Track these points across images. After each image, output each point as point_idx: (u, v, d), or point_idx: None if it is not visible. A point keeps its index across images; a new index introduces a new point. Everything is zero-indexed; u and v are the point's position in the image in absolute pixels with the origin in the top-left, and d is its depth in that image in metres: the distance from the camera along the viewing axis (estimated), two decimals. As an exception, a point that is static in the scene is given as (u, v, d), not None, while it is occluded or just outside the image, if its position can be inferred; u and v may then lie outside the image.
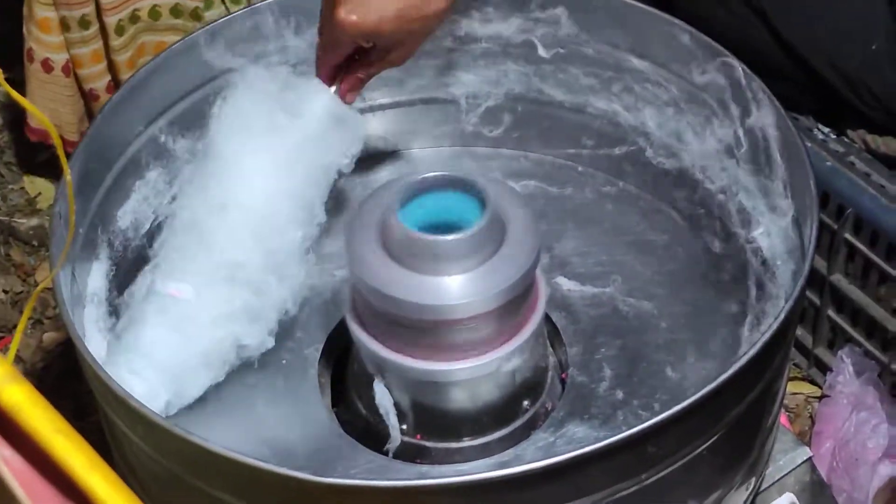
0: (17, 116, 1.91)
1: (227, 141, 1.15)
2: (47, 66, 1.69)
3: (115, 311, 1.17)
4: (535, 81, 1.34)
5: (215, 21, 1.27)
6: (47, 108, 1.70)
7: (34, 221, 1.86)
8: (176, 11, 1.68)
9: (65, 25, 1.65)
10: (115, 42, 1.66)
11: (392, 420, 1.10)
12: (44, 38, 1.67)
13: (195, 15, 1.69)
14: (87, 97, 1.73)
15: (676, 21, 1.25)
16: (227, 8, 1.67)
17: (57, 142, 0.94)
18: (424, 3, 1.12)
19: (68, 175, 1.02)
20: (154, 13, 1.68)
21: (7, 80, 0.88)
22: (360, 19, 1.10)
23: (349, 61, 1.18)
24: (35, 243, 1.83)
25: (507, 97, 1.35)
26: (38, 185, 1.90)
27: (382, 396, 1.11)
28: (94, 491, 0.37)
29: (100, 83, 1.71)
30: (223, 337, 1.12)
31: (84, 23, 1.64)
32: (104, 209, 1.18)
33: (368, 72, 1.19)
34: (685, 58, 1.24)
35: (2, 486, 0.38)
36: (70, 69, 1.69)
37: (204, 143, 1.17)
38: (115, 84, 1.71)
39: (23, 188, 1.90)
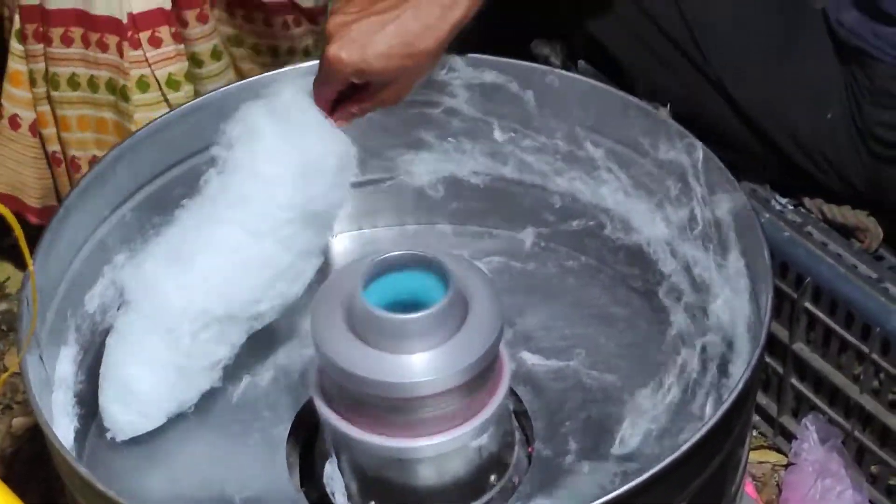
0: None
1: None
2: (14, 122, 1.66)
3: (83, 397, 1.17)
4: (497, 160, 1.36)
5: (182, 105, 1.29)
6: (10, 170, 1.67)
7: (3, 306, 1.86)
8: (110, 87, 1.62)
9: (32, 80, 1.62)
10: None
11: (339, 500, 1.11)
12: (14, 93, 1.64)
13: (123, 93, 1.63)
14: (51, 160, 1.69)
15: (633, 100, 1.28)
16: (164, 95, 1.63)
17: (17, 231, 0.94)
18: (414, 42, 1.15)
19: (31, 265, 1.02)
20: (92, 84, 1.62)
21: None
22: (349, 56, 1.14)
23: (345, 94, 1.20)
24: (4, 328, 1.83)
25: (468, 175, 1.37)
26: (6, 270, 1.91)
27: (334, 479, 1.12)
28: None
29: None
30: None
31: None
32: (71, 294, 1.19)
33: (362, 107, 1.21)
34: (643, 137, 1.27)
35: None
36: (36, 129, 1.66)
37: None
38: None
39: (-9, 273, 1.91)
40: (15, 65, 1.63)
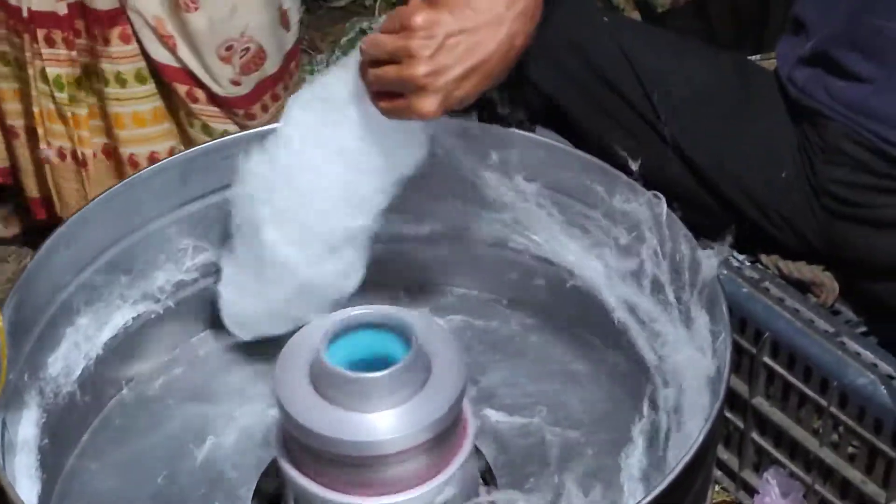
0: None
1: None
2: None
3: (46, 460, 1.17)
4: (459, 219, 1.38)
5: (143, 170, 1.31)
6: None
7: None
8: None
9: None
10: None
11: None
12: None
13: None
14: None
15: (585, 156, 1.30)
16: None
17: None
18: (498, 78, 1.20)
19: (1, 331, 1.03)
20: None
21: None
22: (444, 109, 1.17)
23: None
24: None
25: (431, 233, 1.39)
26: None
27: None
28: None
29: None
30: None
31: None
32: (34, 356, 1.20)
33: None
34: (601, 193, 1.29)
35: None
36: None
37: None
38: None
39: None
40: None
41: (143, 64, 1.71)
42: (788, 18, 1.54)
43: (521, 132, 1.34)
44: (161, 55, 1.70)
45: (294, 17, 1.83)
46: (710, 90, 1.54)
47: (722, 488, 1.61)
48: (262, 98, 1.79)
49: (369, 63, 1.20)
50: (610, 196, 1.28)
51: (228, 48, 1.70)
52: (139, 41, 1.69)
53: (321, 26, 2.53)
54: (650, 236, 1.26)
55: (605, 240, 1.31)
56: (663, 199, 1.25)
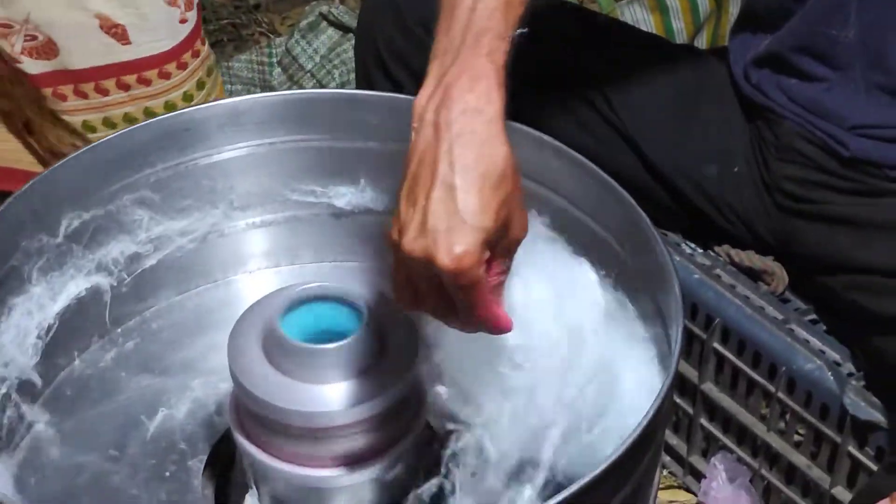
0: None
1: None
2: None
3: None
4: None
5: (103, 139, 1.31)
6: None
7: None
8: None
9: None
10: None
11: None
12: None
13: None
14: None
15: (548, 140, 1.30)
16: None
17: None
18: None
19: None
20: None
21: None
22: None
23: None
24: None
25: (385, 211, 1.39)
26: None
27: None
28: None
29: None
30: None
31: None
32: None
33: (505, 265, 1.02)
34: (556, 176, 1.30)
35: None
36: None
37: None
38: None
39: None
40: None
41: None
42: (740, 15, 1.56)
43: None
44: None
45: None
46: (663, 83, 1.55)
47: (670, 473, 1.63)
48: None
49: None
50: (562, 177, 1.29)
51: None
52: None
53: (280, 10, 2.53)
54: (605, 218, 1.26)
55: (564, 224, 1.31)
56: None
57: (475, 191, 0.93)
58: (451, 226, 0.93)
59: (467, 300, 0.97)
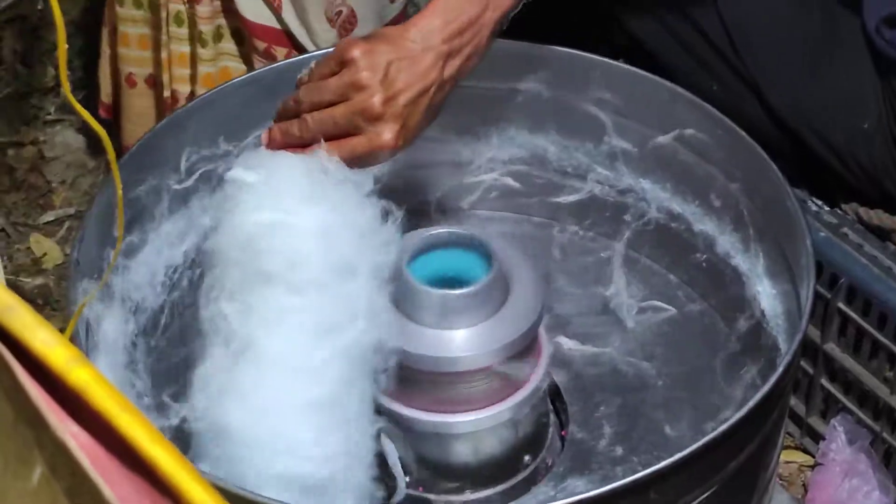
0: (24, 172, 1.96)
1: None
2: (131, 80, 1.74)
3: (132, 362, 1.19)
4: (540, 146, 1.37)
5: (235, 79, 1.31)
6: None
7: (39, 281, 1.88)
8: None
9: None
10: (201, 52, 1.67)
11: (398, 472, 1.12)
12: (125, 53, 1.72)
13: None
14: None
15: (681, 91, 1.29)
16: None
17: (110, 153, 0.91)
18: (438, 112, 1.16)
19: (119, 183, 0.99)
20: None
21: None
22: (405, 141, 1.12)
23: None
24: (40, 301, 1.85)
25: (509, 161, 1.39)
26: (43, 245, 1.93)
27: (389, 450, 1.13)
28: (158, 462, 0.40)
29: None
30: None
31: (178, 20, 1.67)
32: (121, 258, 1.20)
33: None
34: (689, 126, 1.28)
35: (70, 459, 0.41)
36: (153, 81, 1.73)
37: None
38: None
39: (28, 248, 1.93)
40: (123, 27, 1.72)
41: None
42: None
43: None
44: (255, 14, 1.64)
45: None
46: (794, 36, 1.52)
47: (787, 433, 1.61)
48: None
49: (310, 109, 1.12)
50: (698, 132, 1.27)
51: (338, 12, 1.67)
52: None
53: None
54: (733, 173, 1.25)
55: (687, 174, 1.30)
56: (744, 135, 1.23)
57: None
58: None
59: None
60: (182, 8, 1.65)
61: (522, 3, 1.19)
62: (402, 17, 1.74)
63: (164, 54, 1.67)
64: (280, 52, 1.66)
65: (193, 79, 1.68)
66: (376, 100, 1.10)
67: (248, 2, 1.62)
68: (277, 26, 1.64)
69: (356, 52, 1.11)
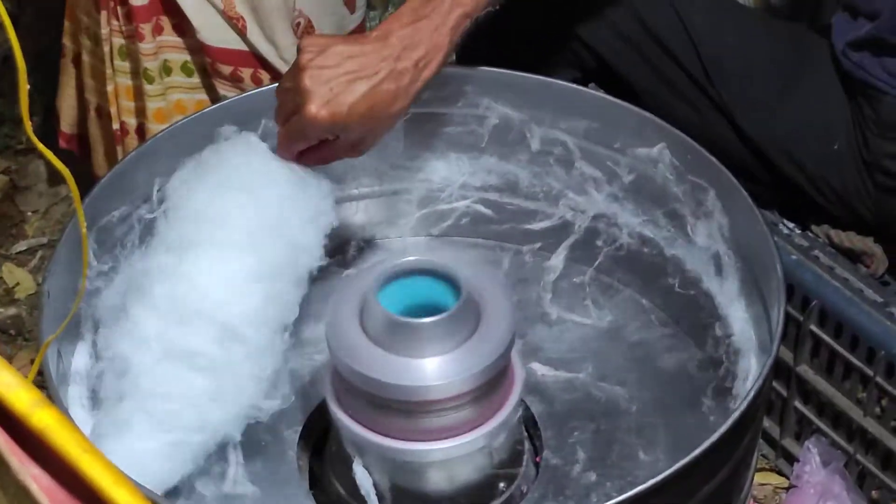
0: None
1: (184, 225, 1.15)
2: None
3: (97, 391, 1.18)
4: (512, 172, 1.38)
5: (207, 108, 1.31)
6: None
7: (12, 311, 1.88)
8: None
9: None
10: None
11: (372, 500, 1.12)
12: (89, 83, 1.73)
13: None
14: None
15: (649, 117, 1.29)
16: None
17: (73, 191, 0.93)
18: (391, 102, 1.16)
19: (83, 222, 1.01)
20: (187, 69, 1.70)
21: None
22: (330, 114, 1.14)
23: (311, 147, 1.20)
24: (13, 332, 1.84)
25: (481, 188, 1.39)
26: (16, 275, 1.92)
27: (363, 478, 1.13)
28: None
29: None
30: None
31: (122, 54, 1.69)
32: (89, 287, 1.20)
33: (325, 157, 1.21)
34: (659, 151, 1.29)
35: (31, 501, 0.41)
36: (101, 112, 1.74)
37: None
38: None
39: (1, 278, 1.92)
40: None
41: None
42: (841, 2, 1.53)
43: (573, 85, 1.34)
44: (219, 39, 1.66)
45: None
46: (764, 58, 1.54)
47: (762, 455, 1.62)
48: None
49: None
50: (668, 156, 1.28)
51: (297, 23, 1.68)
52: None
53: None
54: (705, 197, 1.25)
55: (658, 197, 1.30)
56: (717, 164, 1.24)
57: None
58: None
59: None
60: (124, 42, 1.65)
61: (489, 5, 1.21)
62: (362, 29, 1.77)
63: (109, 87, 1.67)
64: (246, 72, 1.67)
65: (141, 111, 1.68)
66: (304, 76, 1.14)
67: (210, 29, 1.63)
68: (242, 48, 1.65)
69: (304, 40, 1.17)
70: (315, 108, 1.14)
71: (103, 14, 1.64)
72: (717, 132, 1.52)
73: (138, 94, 1.68)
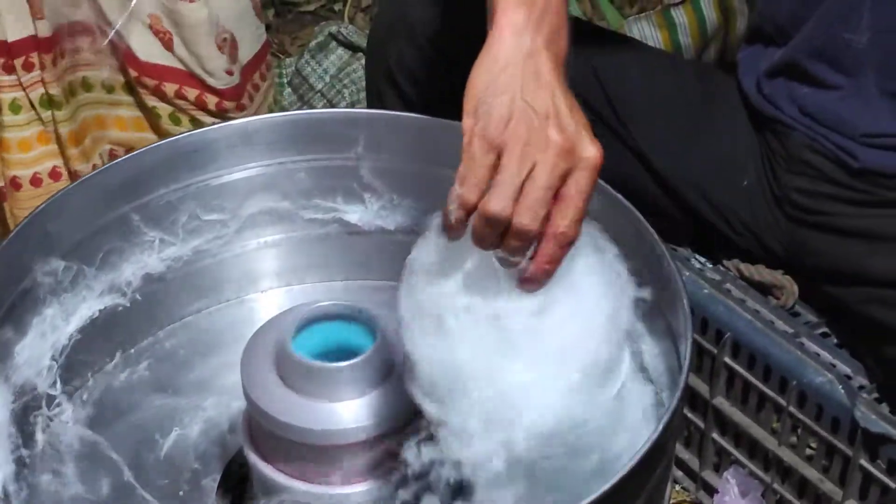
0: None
1: None
2: None
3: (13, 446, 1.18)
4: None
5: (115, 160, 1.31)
6: None
7: None
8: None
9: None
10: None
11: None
12: None
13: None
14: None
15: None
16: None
17: None
18: None
19: None
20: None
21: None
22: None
23: None
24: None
25: (397, 230, 1.40)
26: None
27: None
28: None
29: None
30: None
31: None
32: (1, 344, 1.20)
33: None
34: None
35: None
36: None
37: None
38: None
39: None
40: None
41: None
42: (750, 29, 1.56)
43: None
44: (147, 53, 1.71)
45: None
46: (671, 97, 1.56)
47: (682, 488, 1.63)
48: (247, 87, 1.81)
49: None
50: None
51: (224, 39, 1.72)
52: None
53: (290, 30, 2.54)
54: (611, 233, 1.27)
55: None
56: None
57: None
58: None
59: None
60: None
61: None
62: (268, 39, 1.86)
63: None
64: (170, 88, 1.74)
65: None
66: (551, 132, 0.97)
67: (141, 44, 1.68)
68: (167, 63, 1.72)
69: (481, 127, 0.97)
70: (593, 146, 0.98)
71: None
72: (631, 174, 1.53)
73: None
